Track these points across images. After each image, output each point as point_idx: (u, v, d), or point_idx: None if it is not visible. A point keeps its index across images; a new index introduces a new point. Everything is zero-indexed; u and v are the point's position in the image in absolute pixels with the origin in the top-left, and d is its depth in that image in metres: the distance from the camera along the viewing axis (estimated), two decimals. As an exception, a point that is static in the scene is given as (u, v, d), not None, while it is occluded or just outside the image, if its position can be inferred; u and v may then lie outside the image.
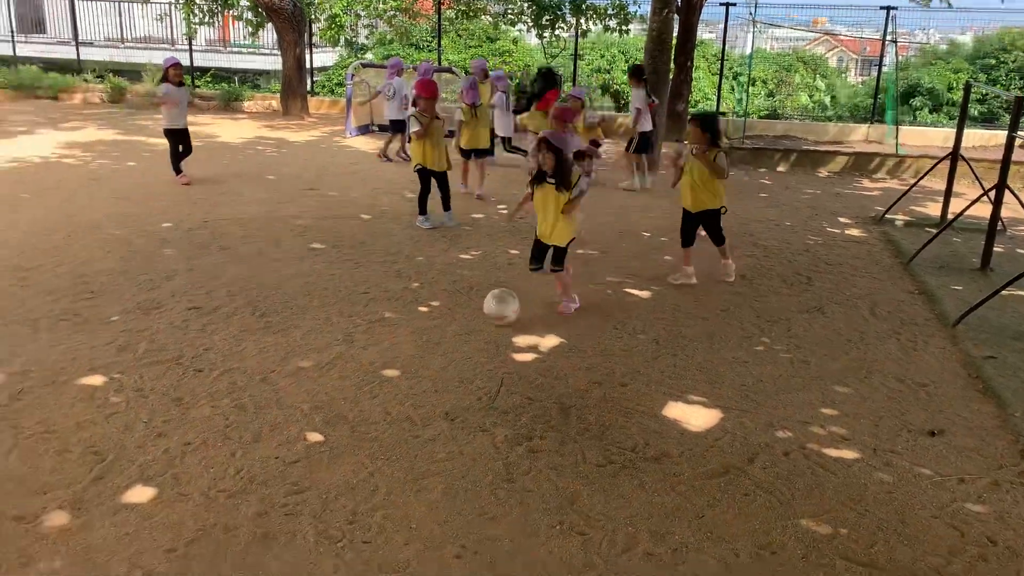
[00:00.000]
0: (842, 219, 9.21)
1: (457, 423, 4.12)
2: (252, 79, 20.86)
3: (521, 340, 5.23)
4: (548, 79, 11.45)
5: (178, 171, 9.50)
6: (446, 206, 7.97)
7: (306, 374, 4.64)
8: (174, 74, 9.35)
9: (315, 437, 3.94)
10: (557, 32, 15.79)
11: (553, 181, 5.36)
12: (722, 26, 15.23)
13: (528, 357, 5.00)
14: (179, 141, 9.47)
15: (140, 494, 3.43)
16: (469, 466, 3.73)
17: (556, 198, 5.41)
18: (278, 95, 16.79)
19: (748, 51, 16.41)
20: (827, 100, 20.54)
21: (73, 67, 19.06)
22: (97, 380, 4.46)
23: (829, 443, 4.09)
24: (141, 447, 3.80)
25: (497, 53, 20.99)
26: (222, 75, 20.13)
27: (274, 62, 18.54)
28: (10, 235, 7.21)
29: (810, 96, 20.61)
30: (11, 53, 20.01)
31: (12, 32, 20.43)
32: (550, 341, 5.25)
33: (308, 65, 17.13)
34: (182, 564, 3.01)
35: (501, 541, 3.22)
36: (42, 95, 17.57)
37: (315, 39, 17.96)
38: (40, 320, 5.27)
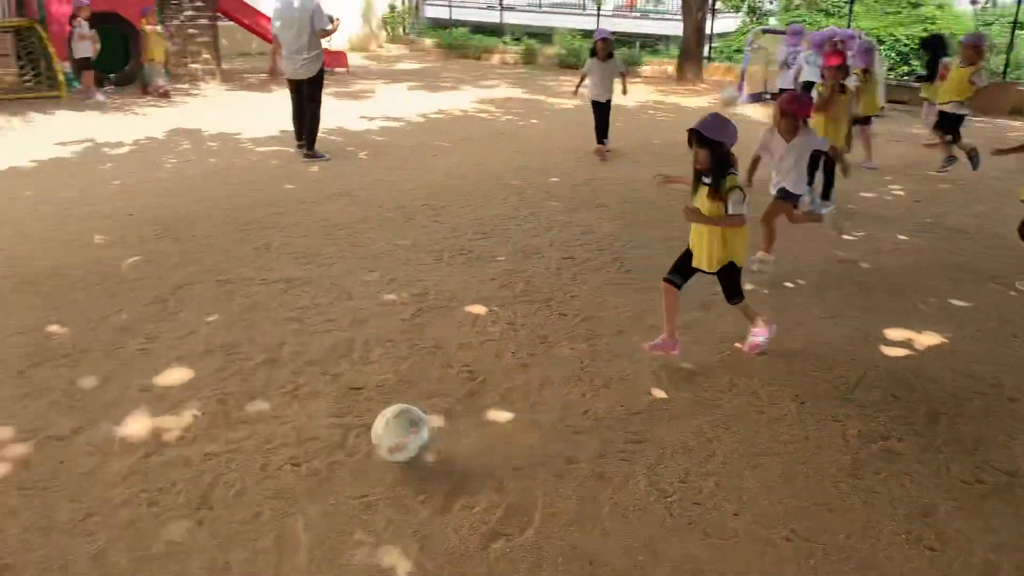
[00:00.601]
0: None
1: (807, 408, 3.96)
2: (652, 44, 21.31)
3: (894, 333, 4.82)
4: (936, 48, 10.20)
5: (600, 141, 9.46)
6: (825, 193, 7.36)
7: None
8: (600, 47, 9.26)
9: (659, 394, 4.05)
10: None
11: (708, 182, 4.10)
12: None
13: (899, 352, 4.60)
14: (598, 113, 9.41)
15: (501, 415, 3.83)
16: (813, 453, 3.58)
17: (710, 205, 4.10)
18: (675, 60, 16.99)
19: None
20: None
21: (496, 30, 21.09)
22: (479, 310, 5.02)
23: None
24: (507, 374, 4.22)
25: (918, 20, 18.96)
26: (624, 40, 20.85)
27: (674, 27, 18.75)
28: (430, 178, 8.32)
29: None
30: (447, 16, 22.72)
31: (450, -2, 23.15)
32: (929, 339, 4.76)
33: (708, 30, 17.04)
34: (528, 483, 3.32)
35: (836, 535, 3.06)
36: (468, 55, 19.75)
37: (718, 4, 17.78)
38: (443, 252, 6.04)
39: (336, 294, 5.20)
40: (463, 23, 22.11)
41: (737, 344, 4.57)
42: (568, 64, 18.14)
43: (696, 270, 4.32)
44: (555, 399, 3.99)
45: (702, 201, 4.13)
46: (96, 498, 3.14)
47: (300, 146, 9.06)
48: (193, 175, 8.26)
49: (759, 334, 4.48)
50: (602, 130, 9.52)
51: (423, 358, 4.38)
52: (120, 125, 10.71)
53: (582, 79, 9.53)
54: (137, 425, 3.65)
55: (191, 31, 14.87)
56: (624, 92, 9.53)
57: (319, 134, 9.16)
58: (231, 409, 3.81)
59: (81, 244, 6.04)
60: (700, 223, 4.16)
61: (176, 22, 14.38)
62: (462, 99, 13.59)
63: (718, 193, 4.03)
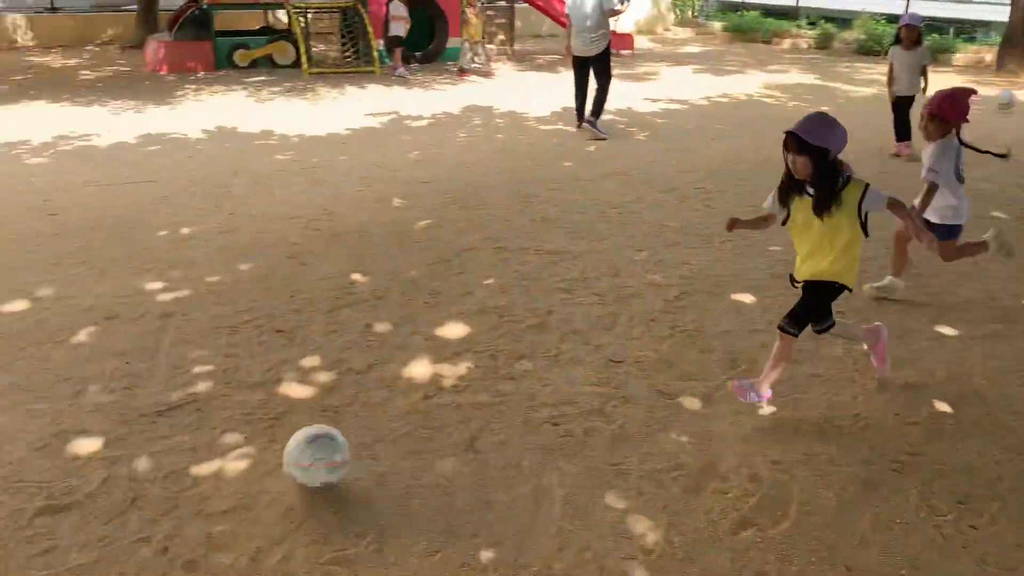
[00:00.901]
0: None
1: (1126, 444, 3.46)
2: (968, 30, 19.21)
3: None
4: None
5: (900, 139, 8.61)
6: None
7: (949, 343, 4.38)
8: (905, 35, 8.48)
9: (943, 407, 3.74)
10: None
11: (812, 194, 3.41)
12: None
13: None
14: (898, 110, 8.61)
15: (762, 407, 3.74)
16: None
17: (821, 222, 3.43)
18: (994, 48, 15.22)
19: None
20: None
21: (790, 13, 20.13)
22: (747, 298, 4.91)
23: None
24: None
25: None
26: (935, 25, 19.00)
27: (997, 12, 16.77)
28: (706, 161, 8.22)
29: None
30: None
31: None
32: None
33: (1041, 15, 15.04)
34: (785, 477, 3.22)
35: None
36: (755, 39, 19.05)
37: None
38: (713, 237, 5.96)
39: (604, 269, 5.34)
40: (754, 6, 21.34)
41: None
42: (867, 51, 16.92)
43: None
44: (822, 398, 3.82)
45: (803, 215, 3.48)
46: (382, 428, 3.52)
47: (580, 126, 9.34)
48: (482, 149, 8.81)
49: (761, 392, 3.67)
50: (903, 128, 8.61)
51: (684, 340, 4.38)
52: (421, 100, 11.66)
53: (891, 73, 8.60)
54: (419, 369, 4.03)
55: (489, 12, 15.76)
56: (923, 90, 8.45)
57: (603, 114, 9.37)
58: (500, 365, 4.08)
59: (383, 206, 6.71)
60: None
61: (478, 4, 15.31)
62: (747, 83, 13.19)
63: (824, 206, 3.37)
